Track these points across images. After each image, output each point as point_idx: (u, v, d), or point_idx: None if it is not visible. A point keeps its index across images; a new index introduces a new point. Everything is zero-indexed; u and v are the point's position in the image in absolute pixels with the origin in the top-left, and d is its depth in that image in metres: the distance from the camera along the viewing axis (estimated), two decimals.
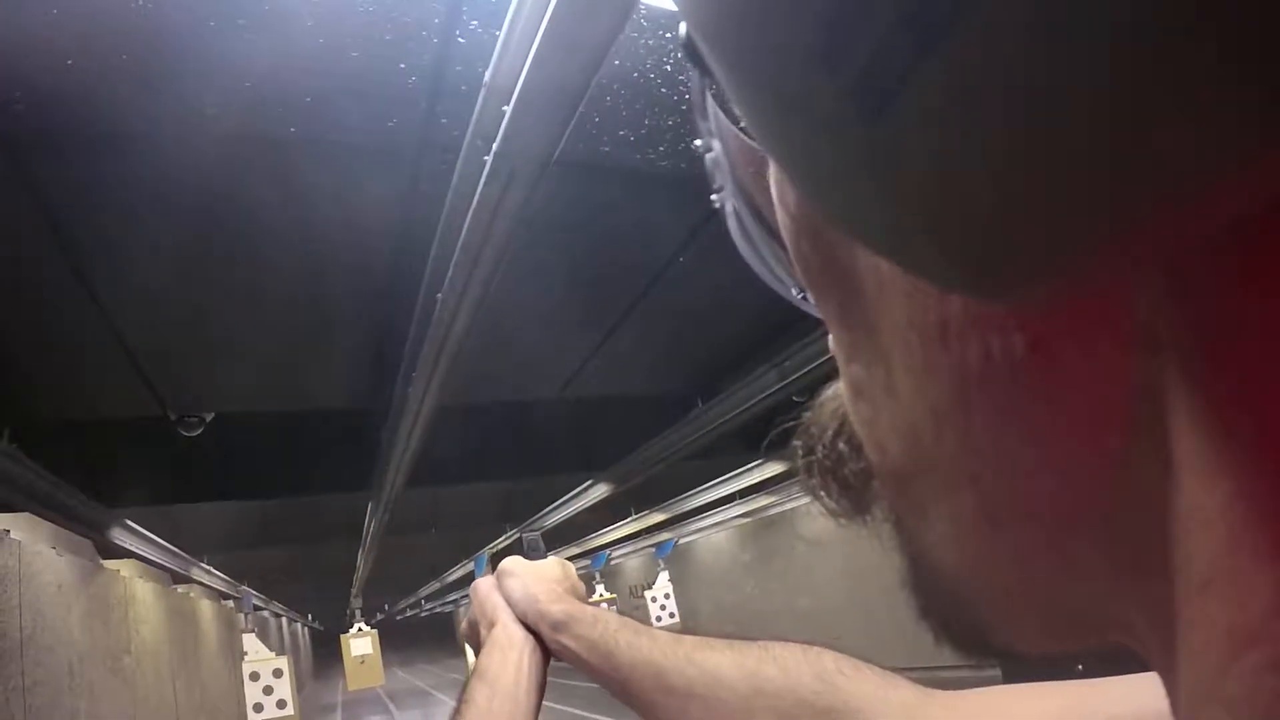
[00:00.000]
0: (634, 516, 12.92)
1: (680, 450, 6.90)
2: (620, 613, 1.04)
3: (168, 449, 6.06)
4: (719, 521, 15.15)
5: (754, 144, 0.32)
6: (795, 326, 5.09)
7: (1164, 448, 0.20)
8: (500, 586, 1.11)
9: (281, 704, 10.00)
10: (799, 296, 0.34)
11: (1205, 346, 0.19)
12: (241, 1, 2.44)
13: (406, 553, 14.72)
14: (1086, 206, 0.16)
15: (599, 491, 8.64)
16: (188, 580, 12.31)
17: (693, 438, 6.68)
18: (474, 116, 2.57)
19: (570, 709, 15.71)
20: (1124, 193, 0.16)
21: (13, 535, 5.98)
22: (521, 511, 11.13)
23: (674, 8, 0.21)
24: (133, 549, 8.09)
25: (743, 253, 0.37)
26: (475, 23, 2.60)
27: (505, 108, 2.40)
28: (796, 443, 0.40)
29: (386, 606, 42.35)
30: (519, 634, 1.03)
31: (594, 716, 14.70)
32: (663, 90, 3.00)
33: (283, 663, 10.29)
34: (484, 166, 2.65)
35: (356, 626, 12.92)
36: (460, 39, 2.66)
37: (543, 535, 1.29)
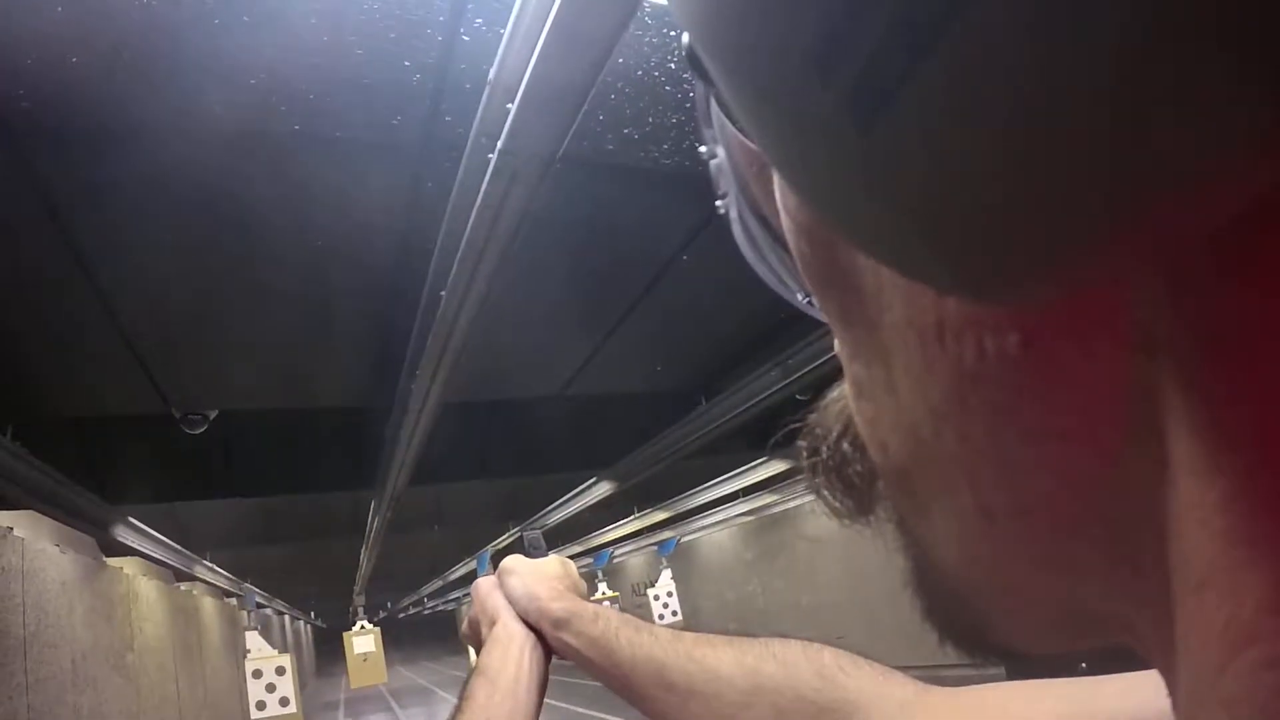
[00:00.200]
0: (636, 514, 12.92)
1: (683, 448, 6.91)
2: (623, 611, 1.04)
3: (171, 446, 6.06)
4: (721, 520, 15.16)
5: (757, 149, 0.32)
6: (798, 324, 5.08)
7: (1160, 448, 0.20)
8: (502, 585, 1.11)
9: (284, 701, 10.02)
10: (804, 301, 0.34)
11: (1202, 347, 0.19)
12: None
13: (409, 550, 14.73)
14: (1081, 209, 0.16)
15: (601, 489, 8.64)
16: (191, 578, 12.34)
17: (695, 436, 6.68)
18: (478, 114, 2.57)
19: (572, 706, 15.71)
20: (1120, 195, 0.16)
21: (16, 532, 5.99)
22: (524, 509, 11.14)
23: None
24: (136, 546, 8.10)
25: (748, 258, 0.37)
26: (480, 20, 2.60)
27: (510, 105, 2.40)
28: (802, 443, 0.40)
29: (389, 604, 42.42)
30: (520, 631, 1.03)
31: (595, 714, 14.71)
32: (666, 88, 3.00)
33: (285, 660, 10.31)
34: (488, 164, 2.65)
35: (359, 624, 12.92)
36: (465, 36, 2.66)
37: (545, 533, 1.30)
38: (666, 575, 15.24)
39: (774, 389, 5.67)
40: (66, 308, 4.11)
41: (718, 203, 0.38)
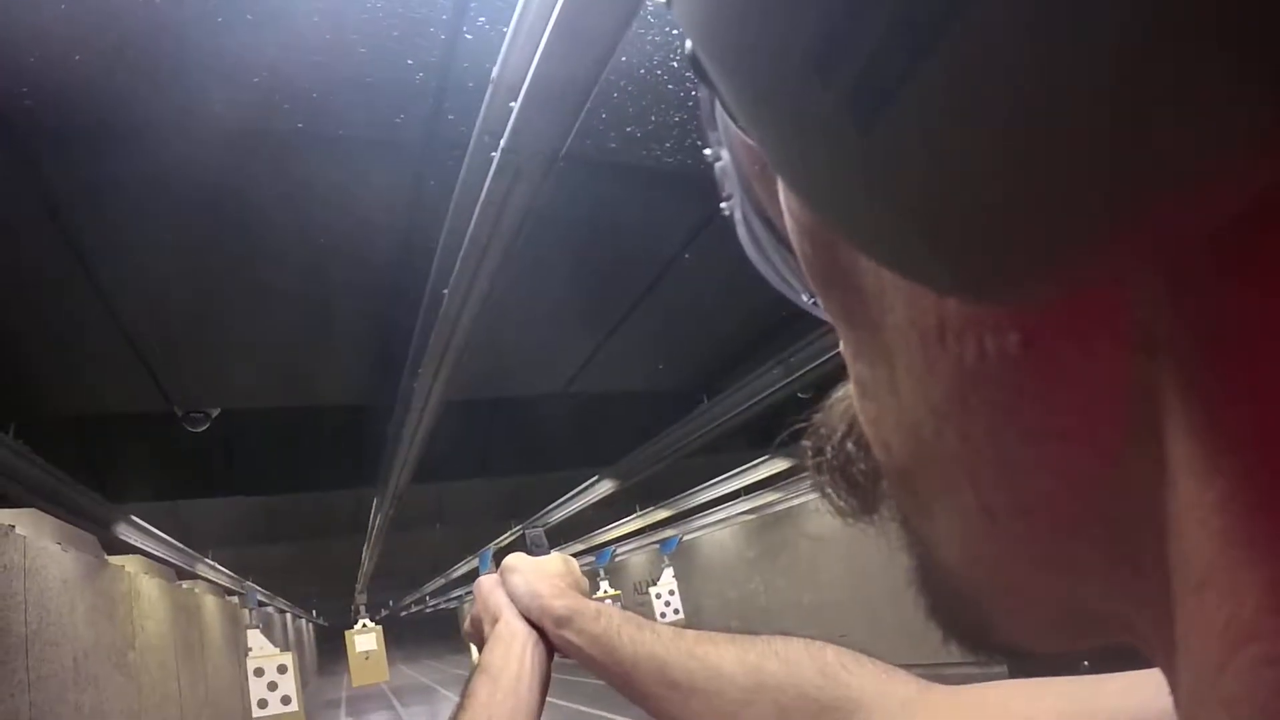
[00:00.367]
0: (638, 513, 12.92)
1: (685, 446, 6.91)
2: (625, 609, 1.04)
3: (173, 444, 6.07)
4: (723, 518, 15.16)
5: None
6: (800, 322, 5.08)
7: (1160, 447, 0.20)
8: (504, 583, 1.11)
9: (286, 700, 10.04)
10: (809, 301, 0.35)
11: (1202, 347, 0.19)
12: None
13: (411, 549, 14.71)
14: (1081, 209, 0.16)
15: (604, 488, 8.65)
16: (192, 576, 12.34)
17: (697, 434, 6.68)
18: (481, 112, 2.57)
19: (574, 705, 15.70)
20: (1119, 196, 0.16)
21: (18, 530, 5.99)
22: (526, 507, 11.14)
23: None
24: (138, 544, 8.11)
25: (752, 259, 0.37)
26: (483, 19, 2.60)
27: (512, 104, 2.40)
28: (806, 443, 0.40)
29: (391, 602, 42.40)
30: (522, 629, 1.03)
31: (598, 713, 14.70)
32: (669, 86, 3.00)
33: (287, 659, 10.32)
34: (491, 162, 2.65)
35: (361, 622, 12.93)
36: (468, 35, 2.66)
37: (547, 531, 1.30)
38: (668, 573, 15.25)
39: (776, 387, 5.67)
40: (68, 306, 4.11)
41: (722, 204, 0.38)
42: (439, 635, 59.87)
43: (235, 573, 14.07)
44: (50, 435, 5.41)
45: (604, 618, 0.98)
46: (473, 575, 17.47)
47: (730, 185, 0.36)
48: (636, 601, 21.03)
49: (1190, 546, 0.19)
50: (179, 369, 5.27)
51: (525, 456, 7.35)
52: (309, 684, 28.84)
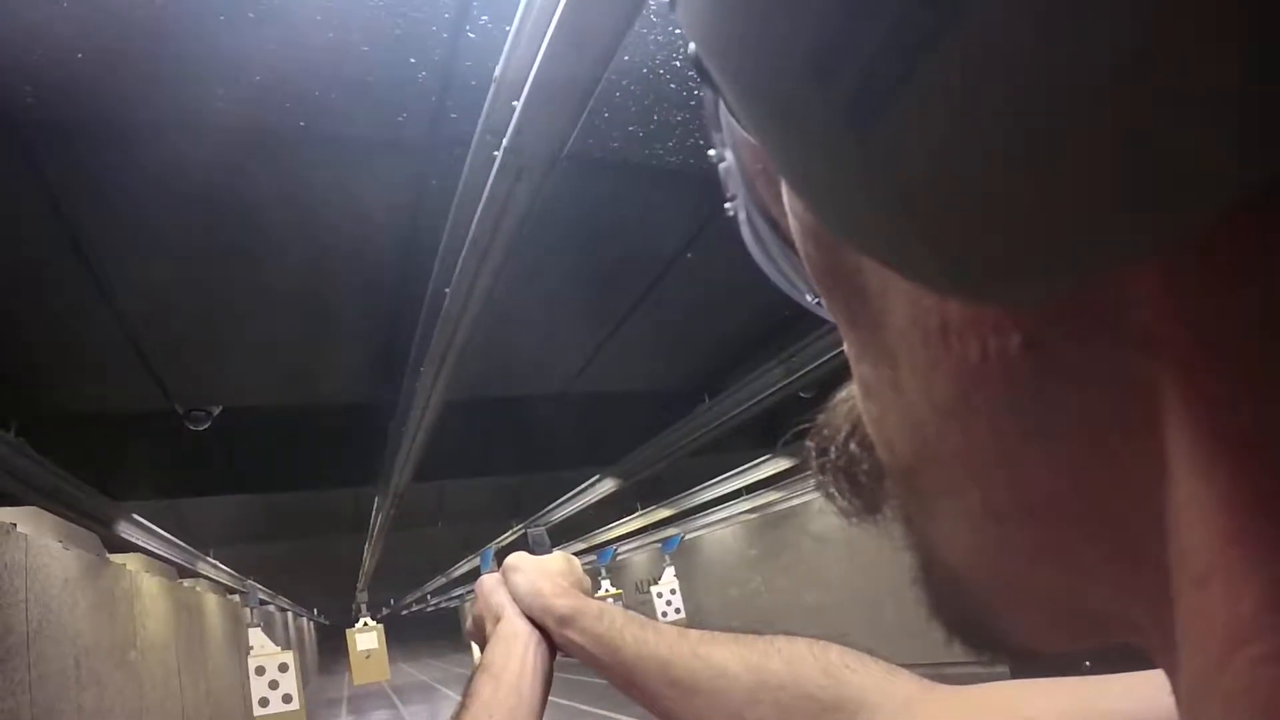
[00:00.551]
0: (640, 512, 12.93)
1: (687, 445, 6.90)
2: (626, 608, 1.04)
3: (174, 443, 6.06)
4: (725, 517, 15.17)
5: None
6: (801, 322, 5.09)
7: (1161, 446, 0.20)
8: (506, 582, 1.11)
9: (287, 698, 10.05)
10: (813, 301, 0.35)
11: (1201, 345, 0.19)
12: None
13: (412, 547, 14.72)
14: (1078, 211, 0.16)
15: (605, 487, 8.65)
16: (194, 574, 12.36)
17: (699, 433, 6.68)
18: (484, 111, 2.57)
19: (576, 704, 15.73)
20: (1117, 197, 0.16)
21: (19, 529, 6.00)
22: (528, 506, 11.15)
23: None
24: (139, 543, 8.12)
25: (757, 259, 0.37)
26: (485, 18, 2.60)
27: (515, 103, 2.40)
28: (810, 443, 0.40)
29: (392, 601, 42.41)
30: (524, 628, 1.03)
31: (600, 712, 14.72)
32: (671, 85, 3.00)
33: (288, 657, 10.32)
34: (494, 161, 2.65)
35: (362, 621, 12.95)
36: (470, 34, 2.66)
37: (549, 530, 1.30)
38: (670, 572, 15.26)
39: (777, 386, 5.67)
40: (69, 304, 4.11)
41: (726, 204, 0.38)
42: (440, 634, 60.03)
43: (237, 571, 14.09)
44: (52, 433, 5.41)
45: (606, 617, 0.98)
46: (474, 574, 17.50)
47: (734, 185, 0.36)
48: (638, 600, 21.07)
49: (1191, 545, 0.19)
50: (181, 367, 5.27)
51: (527, 455, 7.34)
52: (310, 682, 28.89)
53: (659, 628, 0.94)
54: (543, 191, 2.78)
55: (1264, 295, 0.17)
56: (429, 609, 45.01)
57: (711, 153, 0.38)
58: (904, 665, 0.78)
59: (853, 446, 0.37)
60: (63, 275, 3.80)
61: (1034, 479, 0.23)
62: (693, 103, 3.06)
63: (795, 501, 14.44)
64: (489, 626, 1.08)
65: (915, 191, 0.18)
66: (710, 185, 0.38)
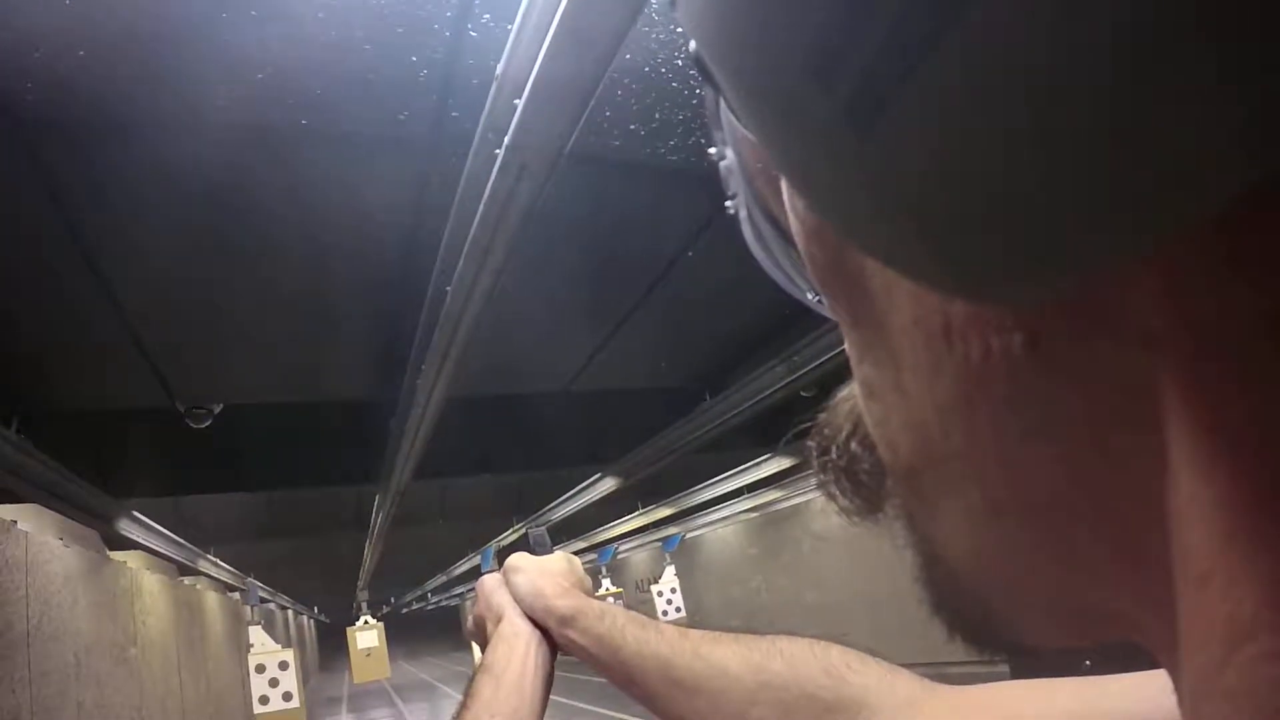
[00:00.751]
0: (641, 510, 12.94)
1: (687, 444, 6.91)
2: (627, 607, 1.04)
3: (175, 440, 6.06)
4: (726, 516, 15.19)
5: None
6: (803, 320, 5.09)
7: (1162, 444, 0.20)
8: (507, 582, 1.11)
9: (287, 696, 10.05)
10: (814, 300, 0.35)
11: (1202, 344, 0.19)
12: None
13: (413, 545, 14.74)
14: (1079, 209, 0.17)
15: (606, 485, 8.65)
16: (194, 572, 12.37)
17: (700, 431, 6.69)
18: (485, 110, 2.58)
19: (577, 703, 15.74)
20: (1118, 195, 0.16)
21: (20, 526, 6.00)
22: (529, 504, 11.16)
23: None
24: (140, 540, 8.13)
25: (758, 258, 0.37)
26: (487, 16, 2.60)
27: (517, 101, 2.40)
28: (811, 442, 0.40)
29: (393, 599, 42.46)
30: (525, 628, 1.03)
31: (601, 711, 14.73)
32: (673, 84, 3.00)
33: (288, 655, 10.33)
34: (495, 160, 2.65)
35: (363, 619, 12.96)
36: (472, 32, 2.66)
37: (549, 529, 1.30)
38: (670, 571, 15.28)
39: (779, 385, 5.67)
40: (71, 301, 4.12)
41: (727, 203, 0.38)
42: (441, 632, 60.08)
43: (237, 569, 14.10)
44: (53, 430, 5.42)
45: (608, 617, 0.98)
46: (474, 572, 17.54)
47: (735, 183, 0.36)
48: (638, 599, 21.08)
49: (1192, 543, 0.19)
50: (182, 364, 5.27)
51: (528, 453, 7.35)
52: (310, 680, 28.93)
53: (660, 627, 0.94)
54: (544, 190, 2.78)
55: (1264, 294, 0.17)
56: (430, 607, 45.04)
57: (712, 151, 0.38)
58: (905, 665, 0.78)
59: (854, 445, 0.37)
60: (65, 272, 3.81)
61: (1036, 478, 0.23)
62: (694, 101, 3.06)
63: (796, 500, 14.44)
64: (490, 627, 1.08)
65: (916, 190, 0.18)
66: (712, 184, 0.38)
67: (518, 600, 1.07)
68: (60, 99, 2.72)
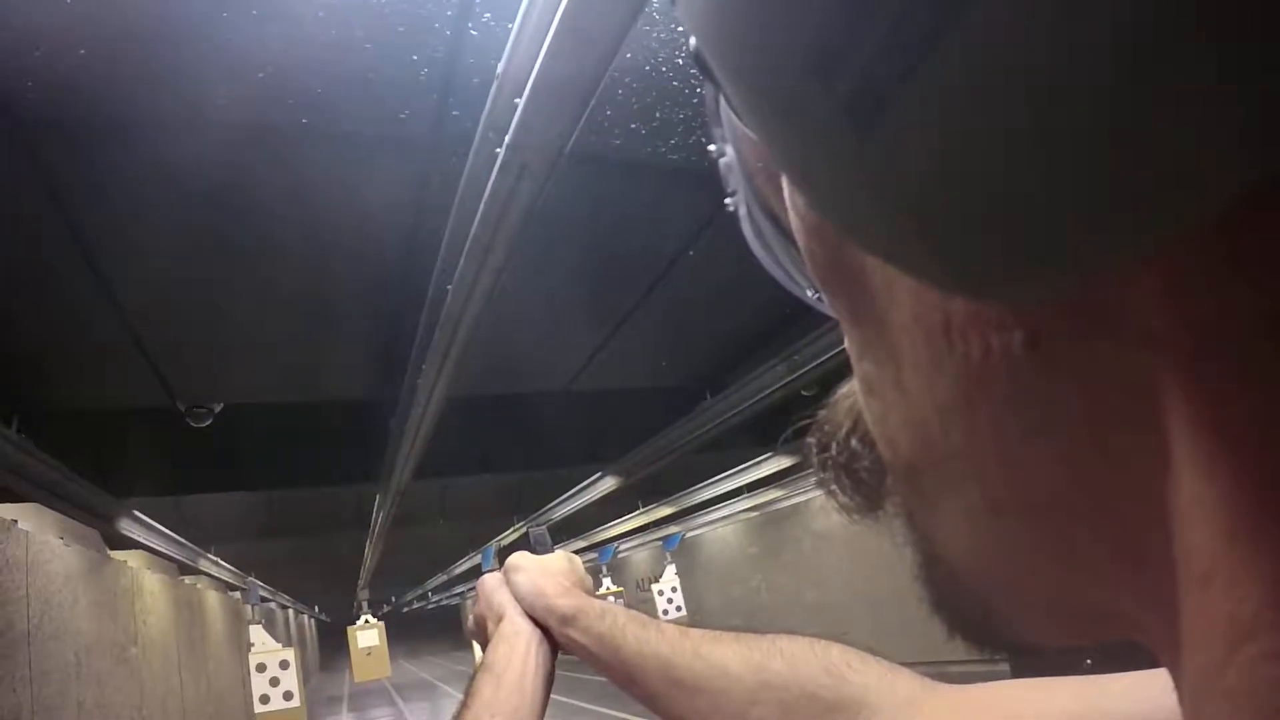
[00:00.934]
0: (641, 510, 12.94)
1: (688, 443, 6.91)
2: (627, 606, 1.04)
3: (176, 439, 6.07)
4: (726, 515, 15.19)
5: None
6: (804, 319, 5.10)
7: (1163, 443, 0.20)
8: (507, 581, 1.11)
9: (288, 695, 10.06)
10: (814, 298, 0.35)
11: (1203, 344, 0.19)
12: None
13: (414, 545, 14.75)
14: (1080, 208, 0.17)
15: (607, 484, 8.65)
16: (195, 571, 12.37)
17: (701, 431, 6.68)
18: (486, 109, 2.58)
19: (577, 702, 15.74)
20: (1118, 194, 0.16)
21: (20, 525, 6.01)
22: (529, 504, 11.16)
23: None
24: (140, 539, 8.13)
25: (757, 255, 0.37)
26: (488, 15, 2.60)
27: (517, 100, 2.40)
28: (811, 440, 0.40)
29: (393, 599, 42.50)
30: (526, 627, 1.03)
31: (601, 710, 14.73)
32: (674, 83, 3.00)
33: (289, 654, 10.34)
34: (496, 159, 2.65)
35: (363, 618, 12.97)
36: (473, 31, 2.66)
37: (550, 528, 1.30)
38: (671, 570, 15.30)
39: (779, 384, 5.67)
40: (71, 300, 4.12)
41: (727, 201, 0.38)
42: (441, 631, 60.08)
43: (238, 568, 14.10)
44: (53, 429, 5.42)
45: (609, 616, 0.98)
46: (475, 571, 17.54)
47: (735, 181, 0.36)
48: (639, 598, 21.09)
49: (1193, 543, 0.19)
50: (182, 363, 5.28)
51: (528, 453, 7.35)
52: (311, 680, 28.93)
53: (661, 627, 0.94)
54: (545, 189, 2.78)
55: (1264, 294, 0.17)
56: (430, 606, 45.04)
57: (712, 148, 0.38)
58: (905, 663, 0.78)
59: (854, 443, 0.37)
60: (65, 272, 3.81)
61: (1036, 477, 0.23)
62: (695, 100, 3.06)
63: (797, 499, 14.45)
64: (491, 626, 1.08)
65: (916, 189, 0.18)
66: (713, 183, 0.38)
67: (518, 599, 1.07)
68: (60, 99, 2.72)
